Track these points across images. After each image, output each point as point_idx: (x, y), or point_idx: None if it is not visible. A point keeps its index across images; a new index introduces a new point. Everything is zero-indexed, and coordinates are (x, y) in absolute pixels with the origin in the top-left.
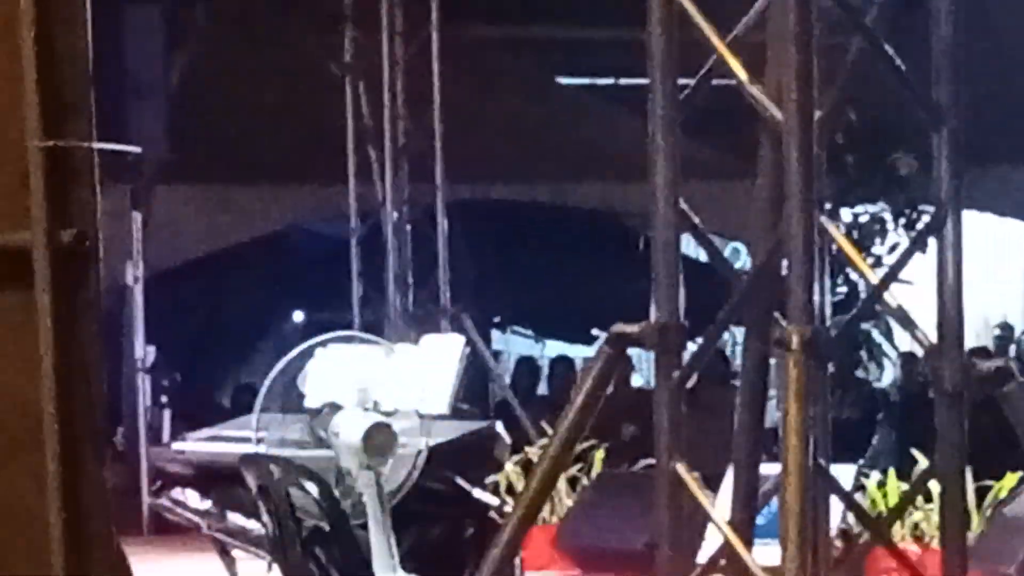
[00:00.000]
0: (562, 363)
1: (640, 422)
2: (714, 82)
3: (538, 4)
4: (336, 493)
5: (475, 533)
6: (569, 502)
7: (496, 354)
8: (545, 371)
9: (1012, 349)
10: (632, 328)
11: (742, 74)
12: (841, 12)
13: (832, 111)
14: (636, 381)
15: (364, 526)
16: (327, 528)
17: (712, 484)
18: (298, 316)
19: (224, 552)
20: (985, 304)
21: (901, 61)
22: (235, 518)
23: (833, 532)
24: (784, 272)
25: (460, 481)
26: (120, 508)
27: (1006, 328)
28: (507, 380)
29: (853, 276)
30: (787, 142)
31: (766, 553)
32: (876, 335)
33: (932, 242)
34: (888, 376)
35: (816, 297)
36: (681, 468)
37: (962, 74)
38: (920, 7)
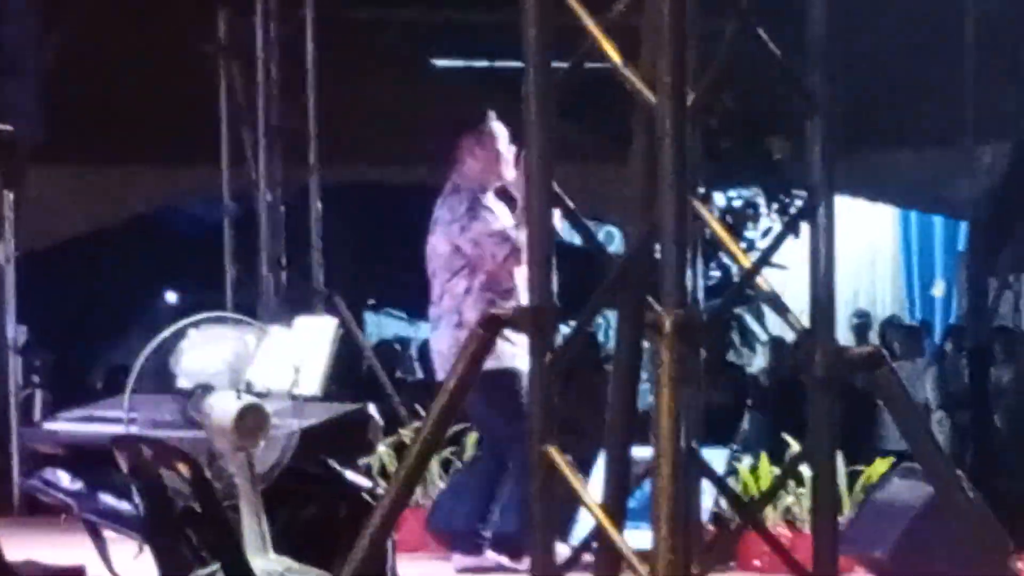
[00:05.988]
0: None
1: None
2: (588, 65)
3: None
4: (208, 474)
5: (348, 515)
6: (442, 484)
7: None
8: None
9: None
10: (505, 310)
11: (616, 57)
12: None
13: (706, 95)
14: None
15: (236, 508)
16: (199, 510)
17: (584, 468)
18: (171, 297)
19: (95, 533)
20: (856, 289)
21: (775, 46)
22: (107, 499)
23: (705, 516)
24: (657, 256)
25: (332, 463)
26: None
27: (863, 315)
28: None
29: (726, 260)
30: (660, 126)
31: (638, 537)
32: (748, 319)
33: (805, 227)
34: (760, 360)
35: (689, 281)
36: (553, 451)
37: (836, 60)
38: None
